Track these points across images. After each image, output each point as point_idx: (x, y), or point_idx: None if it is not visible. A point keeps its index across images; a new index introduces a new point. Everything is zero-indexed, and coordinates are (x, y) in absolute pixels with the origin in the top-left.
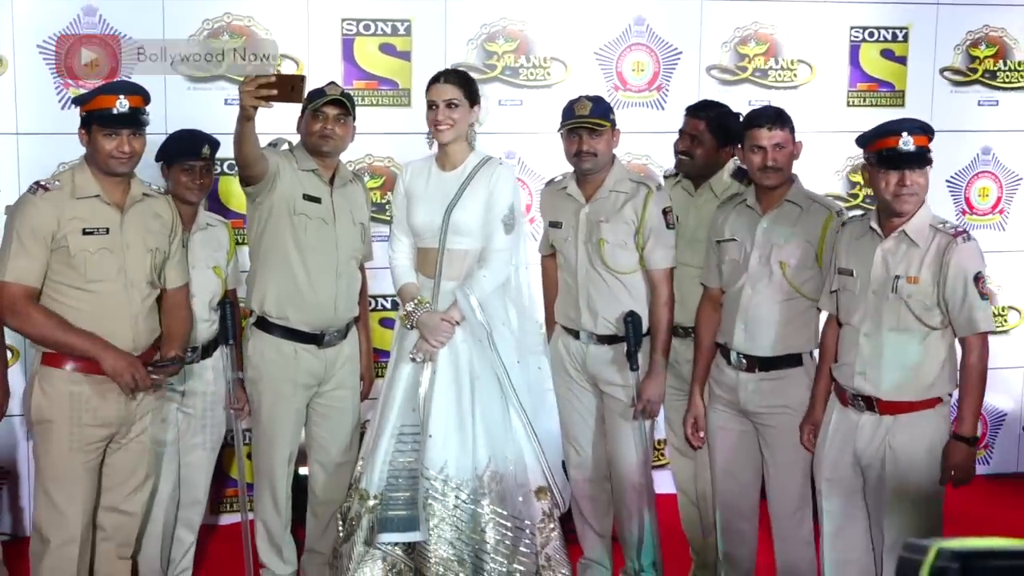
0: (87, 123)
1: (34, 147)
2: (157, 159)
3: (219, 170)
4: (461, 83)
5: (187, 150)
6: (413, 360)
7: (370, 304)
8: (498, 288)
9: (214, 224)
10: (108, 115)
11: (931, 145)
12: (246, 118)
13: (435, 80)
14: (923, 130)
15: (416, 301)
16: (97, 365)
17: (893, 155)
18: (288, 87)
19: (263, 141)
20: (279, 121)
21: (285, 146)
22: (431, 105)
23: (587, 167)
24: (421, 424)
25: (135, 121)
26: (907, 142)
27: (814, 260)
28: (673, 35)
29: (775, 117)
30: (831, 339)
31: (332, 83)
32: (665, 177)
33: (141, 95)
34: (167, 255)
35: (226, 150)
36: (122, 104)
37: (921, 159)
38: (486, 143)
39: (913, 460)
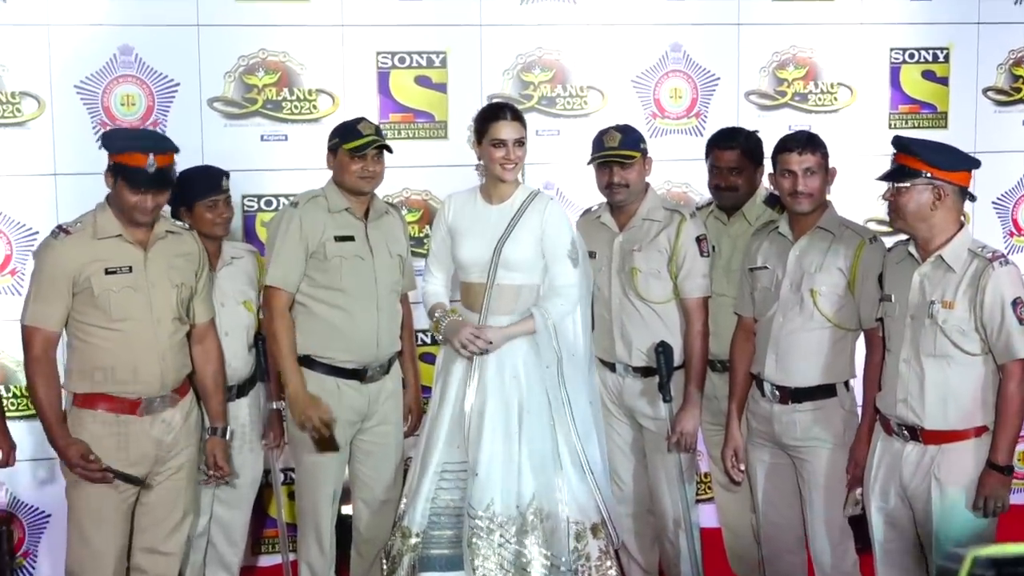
0: (114, 171)
1: (72, 188)
2: (171, 203)
3: (255, 207)
4: (523, 121)
5: (208, 187)
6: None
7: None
8: (571, 313)
9: (240, 256)
10: (136, 174)
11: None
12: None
13: (500, 116)
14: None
15: (445, 311)
16: (128, 405)
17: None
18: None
19: (280, 178)
20: (298, 156)
21: (307, 198)
22: (499, 143)
23: (619, 199)
24: (466, 462)
25: (162, 181)
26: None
27: (846, 288)
28: (711, 61)
29: (806, 141)
30: (875, 367)
31: (364, 120)
32: (698, 208)
33: (171, 151)
34: (194, 290)
35: (248, 185)
36: (151, 164)
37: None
38: (524, 174)
39: (959, 491)
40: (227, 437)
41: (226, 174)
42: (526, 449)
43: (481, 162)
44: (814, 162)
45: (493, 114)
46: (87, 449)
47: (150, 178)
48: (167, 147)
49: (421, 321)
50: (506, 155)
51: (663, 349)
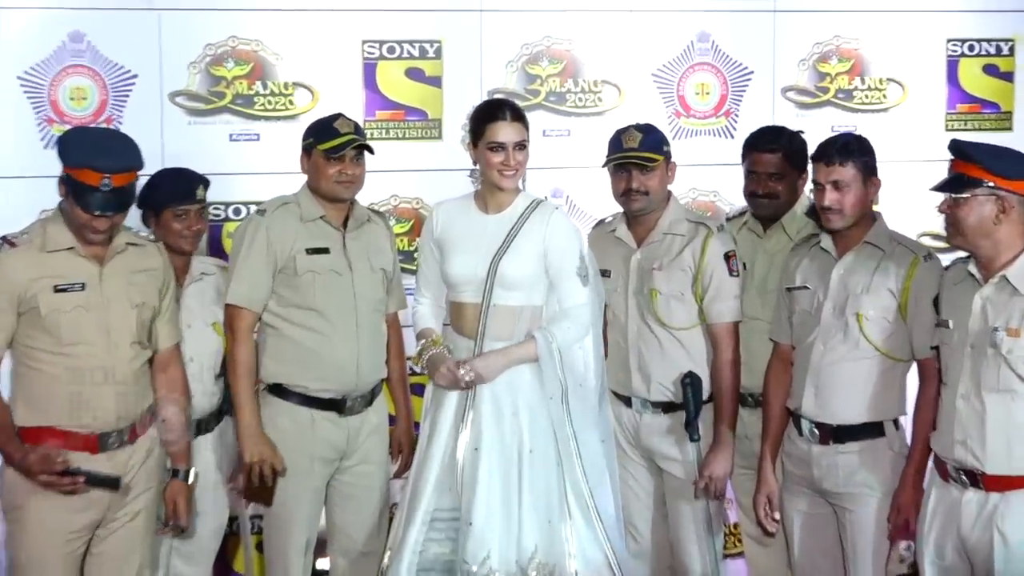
0: (67, 183)
1: (12, 193)
2: (141, 205)
3: (223, 215)
4: (525, 121)
5: (179, 193)
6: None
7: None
8: (583, 338)
9: (211, 272)
10: (88, 194)
11: None
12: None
13: (498, 116)
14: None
15: (430, 340)
16: (80, 441)
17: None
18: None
19: (251, 183)
20: (271, 158)
21: (276, 205)
22: (496, 147)
23: (637, 207)
24: (459, 509)
25: (118, 203)
26: None
27: (897, 312)
28: (743, 52)
29: (839, 151)
30: (929, 402)
31: (342, 116)
32: (728, 219)
33: (132, 170)
34: (157, 311)
35: (214, 191)
36: (106, 184)
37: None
38: (528, 181)
39: None
40: (190, 480)
41: (203, 181)
42: (528, 495)
43: (476, 167)
44: (846, 175)
45: (490, 113)
46: (49, 451)
47: (103, 200)
48: (127, 165)
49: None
50: (505, 160)
51: (691, 380)
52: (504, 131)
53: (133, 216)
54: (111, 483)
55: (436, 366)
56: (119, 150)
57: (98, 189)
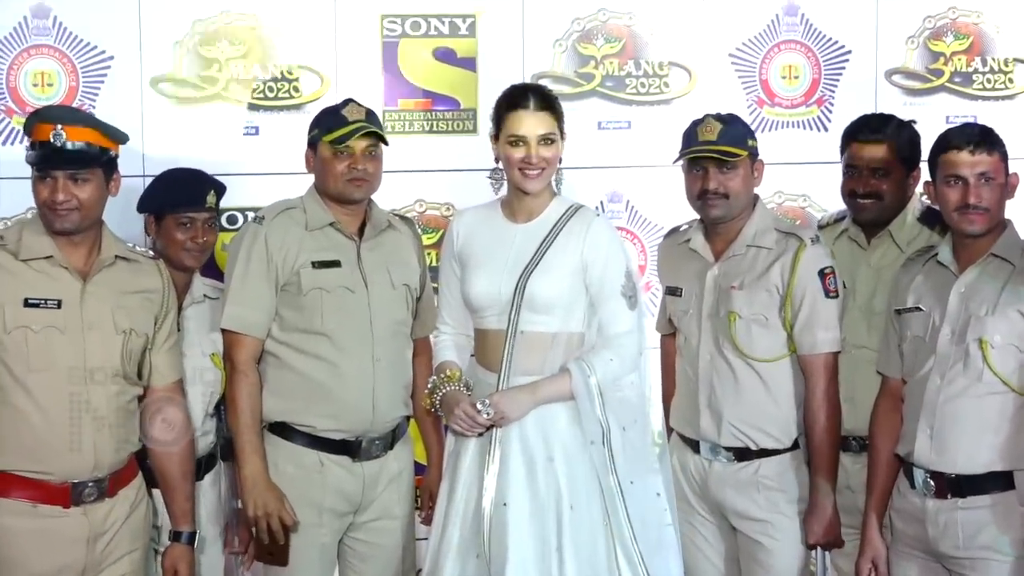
0: (29, 161)
1: None
2: (141, 209)
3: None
4: (555, 109)
5: (185, 197)
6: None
7: None
8: (631, 372)
9: (214, 296)
10: (42, 151)
11: None
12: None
13: (520, 103)
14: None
15: (444, 375)
16: (50, 492)
17: None
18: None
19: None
20: (273, 156)
21: (276, 211)
22: (516, 141)
23: (716, 213)
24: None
25: (76, 160)
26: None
27: None
28: (839, 29)
29: (980, 137)
30: None
31: (351, 102)
32: (820, 227)
33: (93, 127)
34: (150, 340)
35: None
36: (58, 136)
37: None
38: (580, 182)
39: None
40: (195, 544)
41: (215, 185)
42: (571, 560)
43: (499, 165)
44: (991, 165)
45: (511, 101)
46: None
47: (55, 156)
48: (83, 120)
49: None
50: (526, 157)
51: None
52: (526, 122)
53: (133, 225)
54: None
55: (451, 407)
56: (74, 108)
57: (49, 143)
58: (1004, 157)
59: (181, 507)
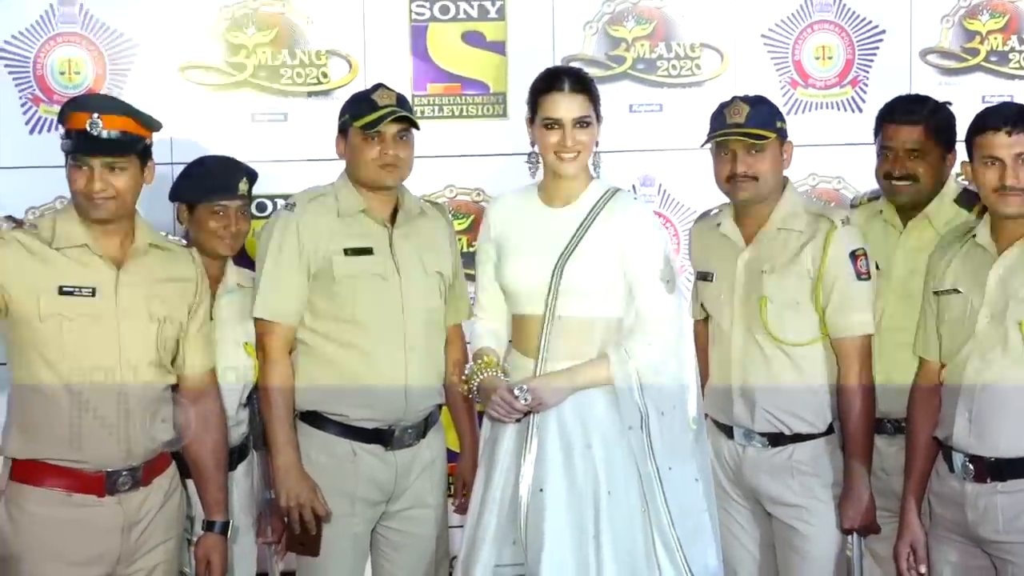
0: (64, 151)
1: None
2: (173, 198)
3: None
4: (591, 92)
5: (218, 185)
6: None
7: None
8: (671, 358)
9: (247, 284)
10: (78, 139)
11: None
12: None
13: (554, 86)
14: None
15: (482, 361)
16: (84, 482)
17: None
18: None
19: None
20: (302, 142)
21: (308, 198)
22: (551, 124)
23: (744, 196)
24: (523, 564)
25: (113, 148)
26: None
27: None
28: (872, 9)
29: (1017, 117)
30: None
31: (382, 87)
32: (853, 206)
33: (128, 115)
34: (184, 329)
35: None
36: (95, 125)
37: None
38: (612, 166)
39: None
40: (228, 534)
41: (248, 173)
42: (608, 547)
43: (535, 149)
44: None
45: (546, 83)
46: None
47: (94, 143)
48: (120, 108)
49: None
50: (561, 140)
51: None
52: (561, 104)
53: (165, 212)
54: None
55: (488, 393)
56: (110, 97)
57: (85, 132)
58: None
59: (215, 497)
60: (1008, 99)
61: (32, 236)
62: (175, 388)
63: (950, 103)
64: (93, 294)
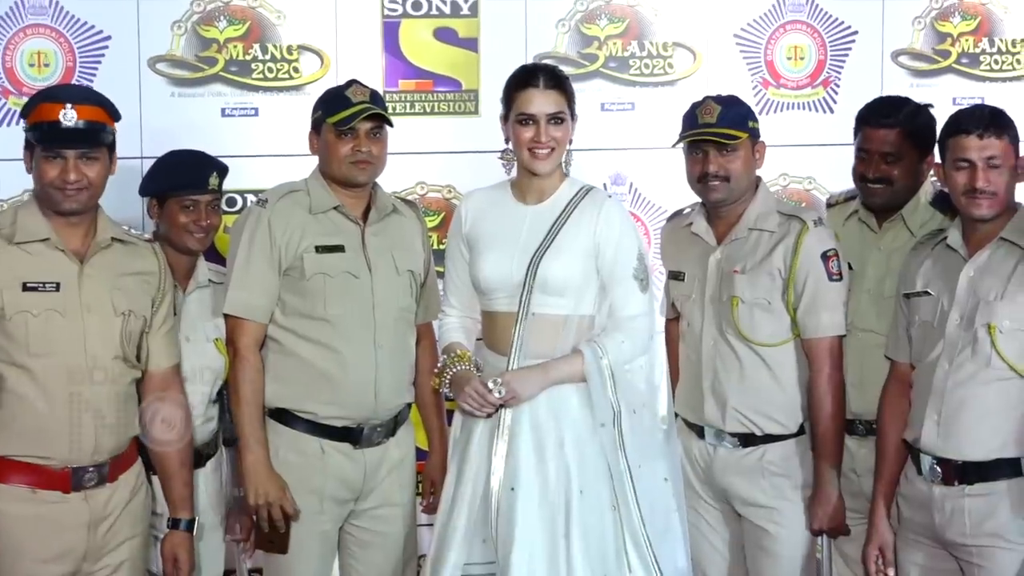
0: (29, 142)
1: None
2: (143, 192)
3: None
4: (565, 89)
5: (188, 179)
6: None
7: None
8: (641, 354)
9: (218, 280)
10: (50, 130)
11: None
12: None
13: (529, 82)
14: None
15: (455, 355)
16: (50, 477)
17: None
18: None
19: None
20: (273, 137)
21: (280, 194)
22: (525, 119)
23: (716, 197)
24: (495, 563)
25: (87, 138)
26: None
27: None
28: (845, 9)
29: (989, 120)
30: None
31: (356, 83)
32: (829, 206)
33: (100, 105)
34: (148, 323)
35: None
36: (68, 116)
37: None
38: (583, 164)
39: None
40: (194, 531)
41: (218, 167)
42: (578, 545)
43: (509, 146)
44: (1000, 148)
45: (521, 80)
46: None
47: (68, 133)
48: (93, 98)
49: None
50: (535, 136)
51: None
52: (536, 101)
53: (134, 207)
54: None
55: (461, 386)
56: (81, 87)
57: (59, 123)
58: (1014, 140)
59: (180, 494)
60: (979, 101)
61: None
62: (139, 383)
63: (931, 105)
64: (57, 288)
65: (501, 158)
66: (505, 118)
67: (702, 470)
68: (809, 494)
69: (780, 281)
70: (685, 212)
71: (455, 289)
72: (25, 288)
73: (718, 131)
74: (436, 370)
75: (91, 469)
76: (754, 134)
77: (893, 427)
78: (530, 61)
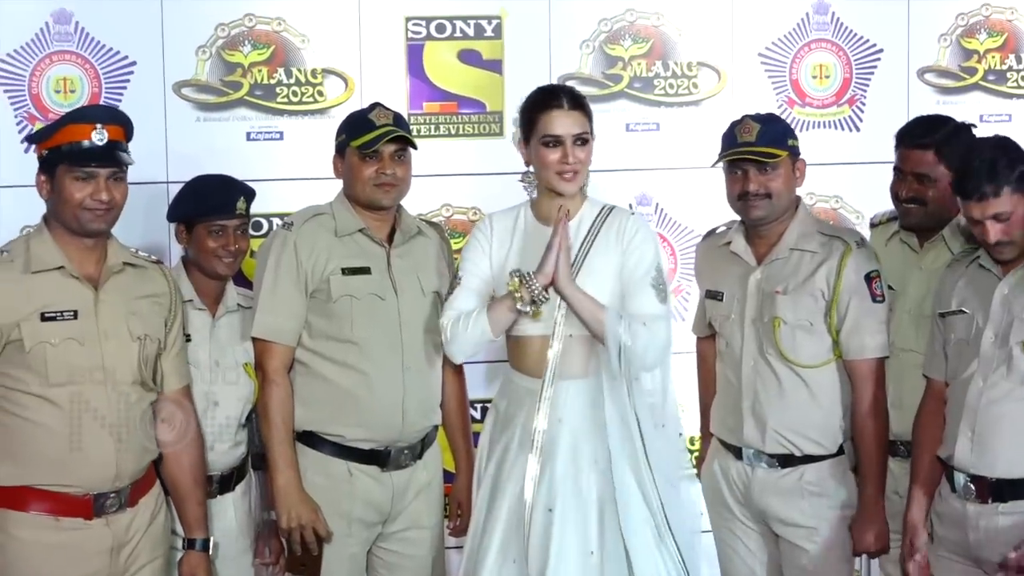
0: (50, 165)
1: None
2: (171, 218)
3: None
4: (587, 109)
5: (216, 204)
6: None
7: None
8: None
9: (247, 305)
10: (81, 150)
11: None
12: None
13: (553, 103)
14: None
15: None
16: (72, 504)
17: None
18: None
19: (274, 190)
20: (298, 161)
21: (305, 217)
22: (551, 141)
23: (756, 215)
24: None
25: (118, 158)
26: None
27: None
28: (870, 27)
29: (988, 179)
30: None
31: (379, 106)
32: (872, 226)
33: (122, 124)
34: (162, 345)
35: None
36: (100, 135)
37: None
38: (608, 185)
39: None
40: (210, 551)
41: (245, 192)
42: (610, 564)
43: (530, 168)
44: (1005, 204)
45: (543, 101)
46: None
47: (101, 152)
48: (117, 118)
49: (476, 387)
50: (562, 158)
51: None
52: (561, 122)
53: (160, 232)
54: None
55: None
56: (105, 107)
57: (90, 143)
58: (1019, 181)
59: (194, 514)
60: (1006, 118)
61: (6, 266)
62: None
63: (974, 125)
64: (75, 316)
65: (522, 180)
66: (526, 141)
67: (740, 491)
68: (848, 514)
69: (823, 303)
70: (720, 231)
71: (469, 294)
72: (44, 318)
73: (758, 149)
74: (515, 294)
75: (112, 495)
76: (794, 152)
77: (929, 441)
78: (555, 82)
